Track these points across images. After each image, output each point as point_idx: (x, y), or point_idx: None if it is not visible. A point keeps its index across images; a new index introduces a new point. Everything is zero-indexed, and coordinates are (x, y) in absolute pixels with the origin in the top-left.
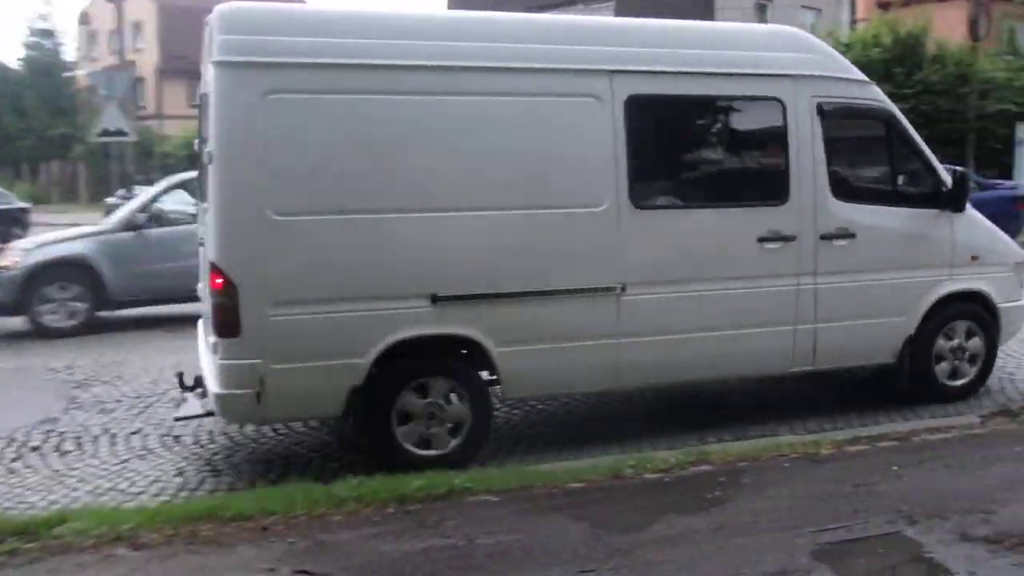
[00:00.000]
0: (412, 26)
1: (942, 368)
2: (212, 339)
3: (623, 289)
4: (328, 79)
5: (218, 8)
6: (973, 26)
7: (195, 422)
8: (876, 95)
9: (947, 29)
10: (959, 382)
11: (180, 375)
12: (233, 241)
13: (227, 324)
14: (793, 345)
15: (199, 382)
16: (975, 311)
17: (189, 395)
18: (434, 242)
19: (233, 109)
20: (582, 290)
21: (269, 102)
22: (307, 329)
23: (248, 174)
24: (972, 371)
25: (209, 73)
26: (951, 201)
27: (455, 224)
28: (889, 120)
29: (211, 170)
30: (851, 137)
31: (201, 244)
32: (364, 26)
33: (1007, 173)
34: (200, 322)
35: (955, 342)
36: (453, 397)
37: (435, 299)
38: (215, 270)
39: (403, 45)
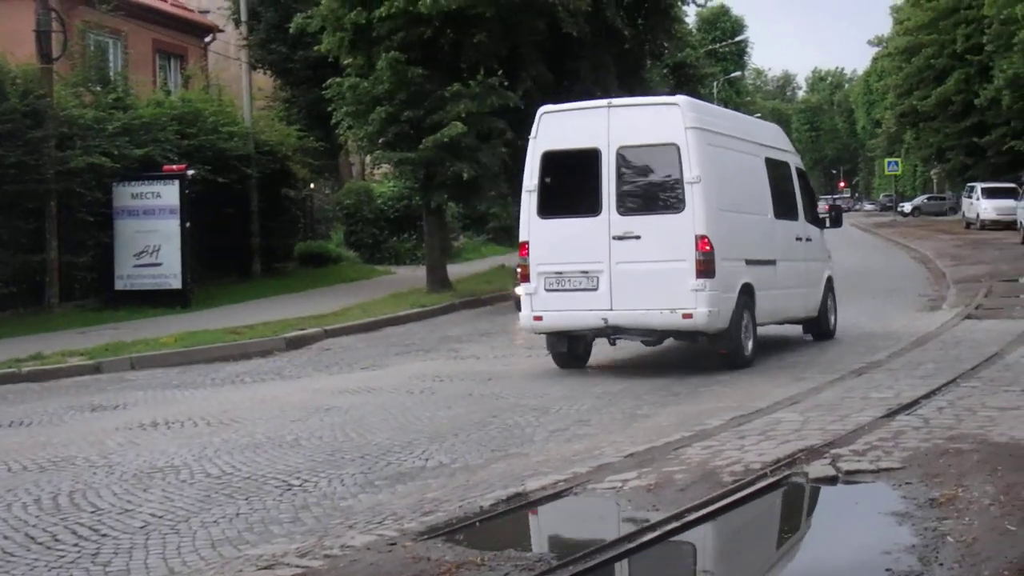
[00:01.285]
0: (749, 122)
1: (828, 318)
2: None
3: (775, 262)
4: (722, 141)
5: (687, 99)
6: (42, 39)
7: None
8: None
9: (7, 40)
10: (832, 325)
11: None
12: (711, 224)
13: (709, 268)
14: (806, 301)
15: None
16: (831, 283)
17: None
18: (751, 230)
19: (702, 153)
20: (772, 261)
21: (709, 149)
22: (723, 273)
23: (710, 188)
24: (832, 319)
25: (678, 133)
26: (833, 222)
27: (759, 220)
28: (803, 172)
29: (699, 188)
30: (802, 184)
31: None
32: (735, 118)
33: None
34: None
35: (829, 303)
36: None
37: (748, 261)
38: (704, 239)
39: (748, 130)
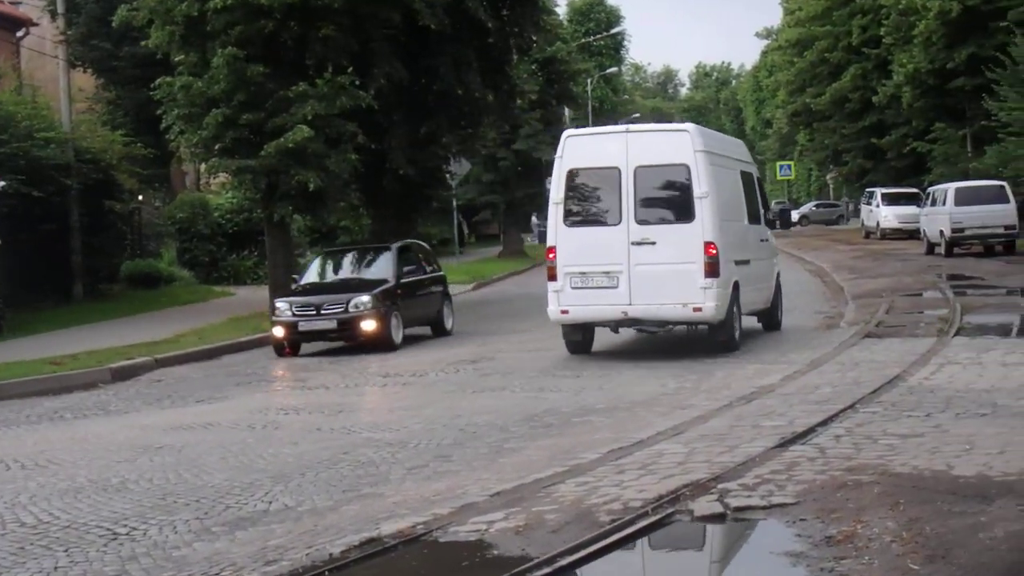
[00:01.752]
0: (728, 140)
1: (778, 309)
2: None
3: (749, 262)
4: (718, 161)
5: (695, 126)
6: None
7: None
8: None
9: None
10: (780, 316)
11: None
12: (717, 232)
13: (715, 269)
14: (767, 295)
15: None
16: (779, 278)
17: None
18: (737, 235)
19: (708, 172)
20: (748, 260)
21: (711, 168)
22: (724, 273)
23: (714, 201)
24: (780, 311)
25: (688, 155)
26: (783, 224)
27: (739, 226)
28: (760, 180)
29: (707, 201)
30: (760, 191)
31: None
32: (721, 138)
33: None
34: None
35: (779, 296)
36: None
37: (735, 262)
38: (711, 244)
39: (728, 148)
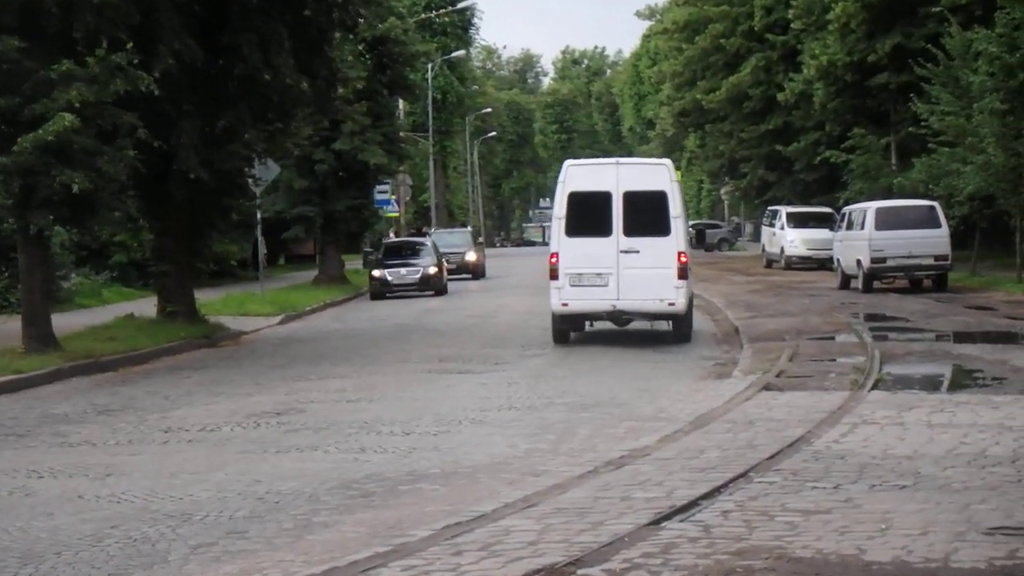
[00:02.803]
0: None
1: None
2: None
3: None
4: (679, 188)
5: (668, 161)
6: None
7: None
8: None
9: None
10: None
11: None
12: (685, 244)
13: (685, 273)
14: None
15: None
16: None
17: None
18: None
19: (678, 198)
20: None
21: (678, 194)
22: (689, 277)
23: (682, 221)
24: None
25: (665, 184)
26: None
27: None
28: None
29: (679, 220)
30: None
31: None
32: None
33: None
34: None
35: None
36: None
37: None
38: (682, 253)
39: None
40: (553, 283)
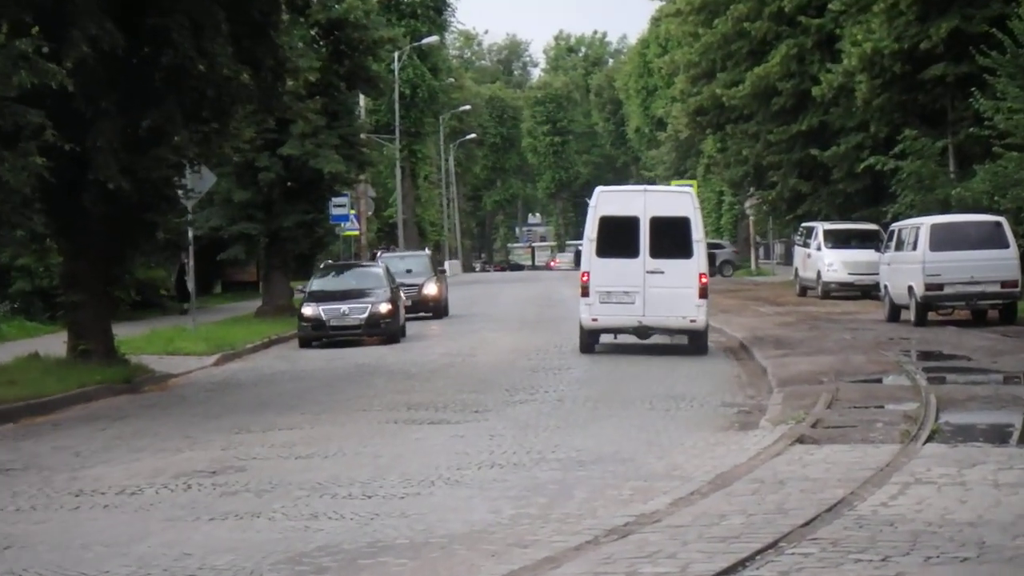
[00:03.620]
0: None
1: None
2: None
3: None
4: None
5: (691, 189)
6: None
7: None
8: None
9: None
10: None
11: None
12: (706, 266)
13: (706, 293)
14: None
15: None
16: None
17: None
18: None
19: (699, 223)
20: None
21: (700, 220)
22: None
23: (703, 244)
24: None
25: (689, 211)
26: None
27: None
28: None
29: (700, 244)
30: None
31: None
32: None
33: None
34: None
35: None
36: None
37: None
38: (703, 275)
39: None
40: (584, 299)
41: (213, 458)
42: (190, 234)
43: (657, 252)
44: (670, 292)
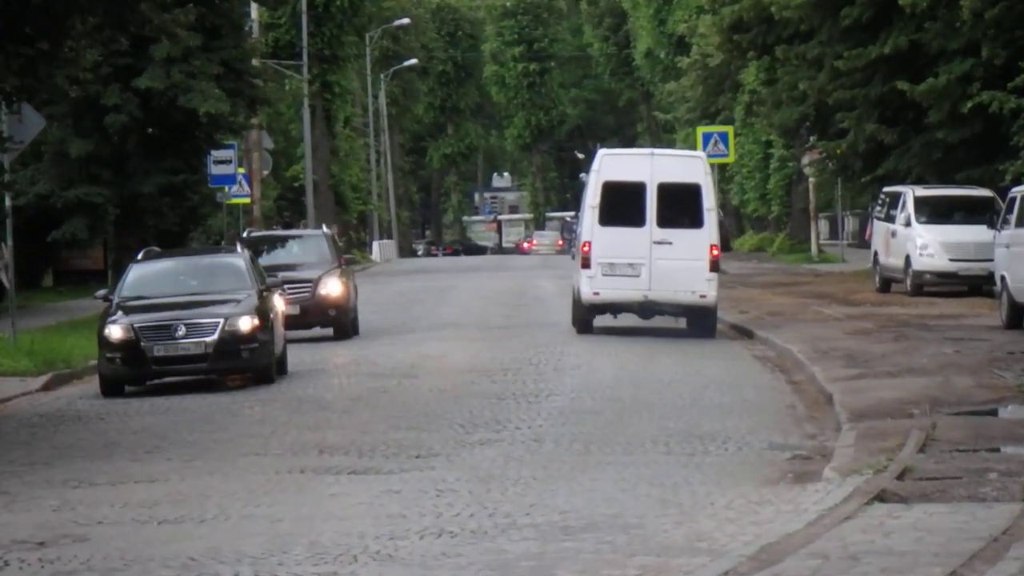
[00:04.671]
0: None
1: None
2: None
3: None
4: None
5: (703, 154)
6: None
7: None
8: None
9: None
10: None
11: None
12: (718, 237)
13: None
14: None
15: None
16: None
17: None
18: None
19: (711, 190)
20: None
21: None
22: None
23: (715, 213)
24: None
25: (700, 177)
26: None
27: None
28: None
29: (712, 213)
30: None
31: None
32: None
33: None
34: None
35: None
36: None
37: None
38: (715, 246)
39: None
40: (584, 271)
41: (40, 523)
42: (6, 202)
43: (665, 221)
44: (679, 264)
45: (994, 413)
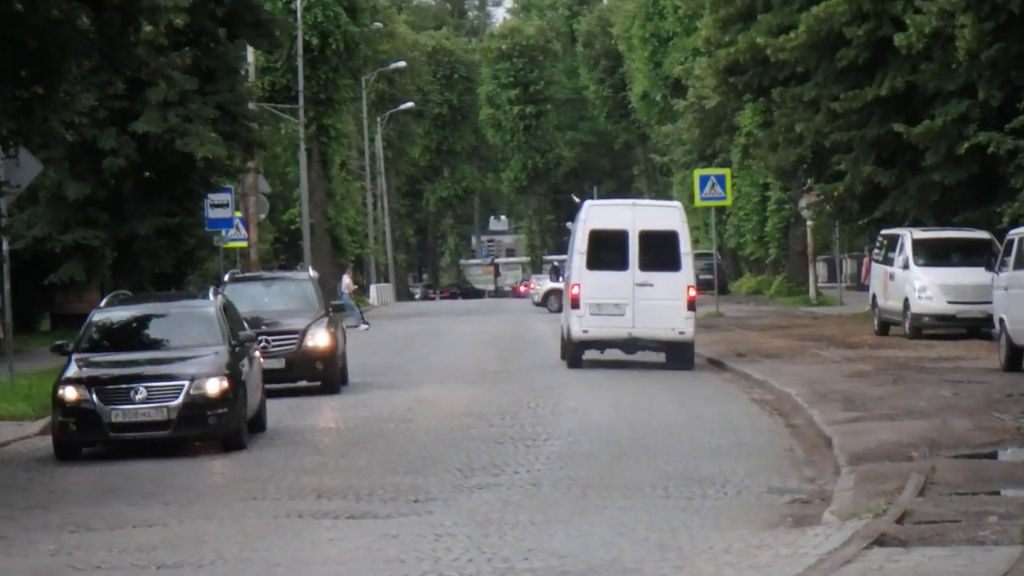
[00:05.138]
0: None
1: None
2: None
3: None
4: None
5: (678, 204)
6: None
7: None
8: None
9: None
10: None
11: None
12: (694, 279)
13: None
14: None
15: None
16: None
17: None
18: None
19: (687, 237)
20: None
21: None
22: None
23: (690, 257)
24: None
25: (677, 224)
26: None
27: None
28: None
29: (688, 257)
30: None
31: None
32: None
33: None
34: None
35: None
36: None
37: None
38: (692, 287)
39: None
40: (574, 311)
41: (37, 568)
42: (3, 246)
43: (646, 265)
44: (659, 304)
45: (993, 456)
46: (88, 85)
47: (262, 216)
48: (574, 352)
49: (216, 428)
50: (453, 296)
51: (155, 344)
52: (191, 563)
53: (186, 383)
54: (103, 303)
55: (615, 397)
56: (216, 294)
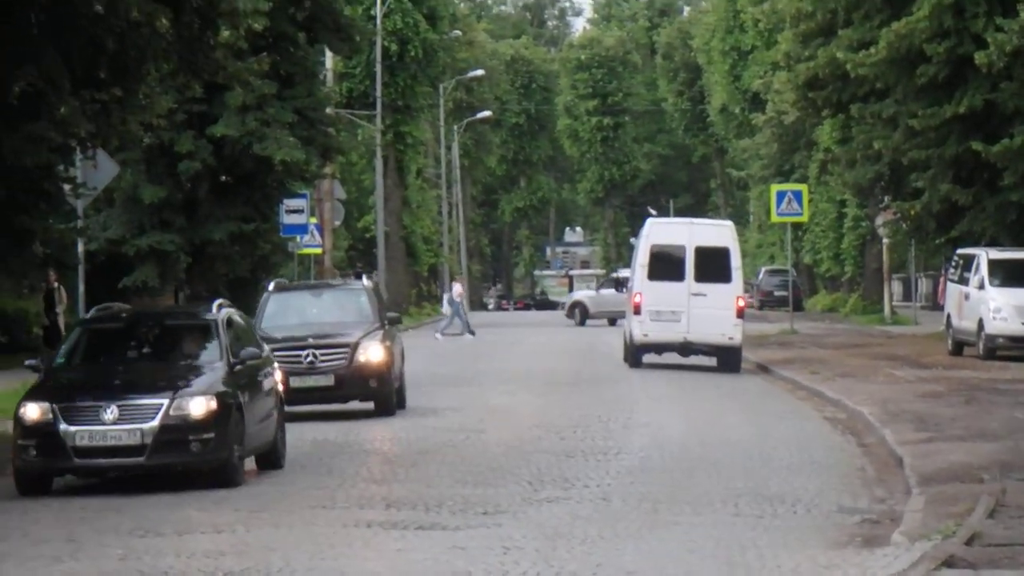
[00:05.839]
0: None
1: None
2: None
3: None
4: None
5: (730, 223)
6: None
7: None
8: None
9: None
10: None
11: None
12: (742, 291)
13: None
14: None
15: None
16: None
17: None
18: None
19: (737, 252)
20: None
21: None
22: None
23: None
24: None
25: (729, 242)
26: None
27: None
28: None
29: (738, 271)
30: None
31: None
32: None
33: None
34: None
35: None
36: None
37: None
38: (740, 297)
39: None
40: (636, 317)
41: (106, 571)
42: (80, 247)
43: (701, 277)
44: (712, 312)
45: None
46: (166, 88)
47: (337, 223)
48: (635, 354)
49: (200, 457)
50: (527, 307)
51: (139, 359)
52: (258, 570)
53: (165, 402)
54: (89, 315)
55: (687, 412)
56: (220, 307)
